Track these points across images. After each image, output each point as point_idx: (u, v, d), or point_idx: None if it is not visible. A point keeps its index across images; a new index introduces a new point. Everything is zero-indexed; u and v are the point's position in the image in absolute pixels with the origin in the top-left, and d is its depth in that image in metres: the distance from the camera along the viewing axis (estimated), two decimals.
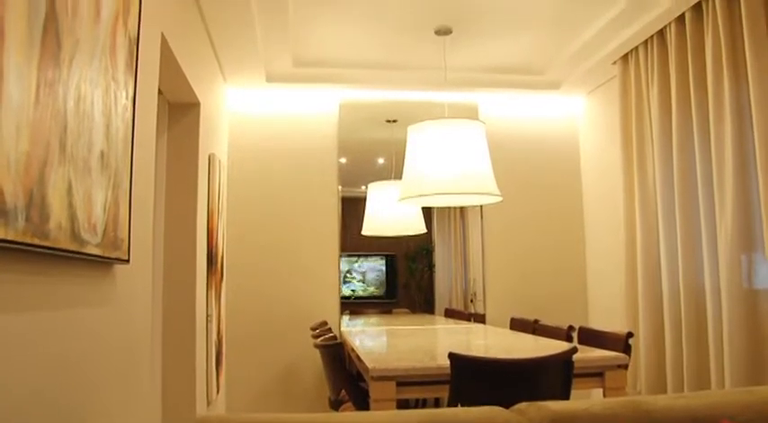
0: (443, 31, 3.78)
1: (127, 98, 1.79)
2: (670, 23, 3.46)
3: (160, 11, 2.33)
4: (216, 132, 3.92)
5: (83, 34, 1.42)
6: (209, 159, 3.58)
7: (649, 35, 3.65)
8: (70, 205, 1.34)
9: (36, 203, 1.17)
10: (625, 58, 3.97)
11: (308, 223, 4.61)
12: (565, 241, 4.83)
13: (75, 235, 1.37)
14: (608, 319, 4.41)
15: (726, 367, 2.96)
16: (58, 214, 1.27)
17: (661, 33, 3.59)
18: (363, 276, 5.21)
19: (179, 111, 3.24)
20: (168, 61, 2.62)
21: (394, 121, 4.88)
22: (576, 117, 4.97)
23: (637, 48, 3.83)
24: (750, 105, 2.89)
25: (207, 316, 3.45)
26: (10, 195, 1.06)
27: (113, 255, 1.65)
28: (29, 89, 1.14)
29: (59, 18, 1.28)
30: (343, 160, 4.73)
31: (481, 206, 4.71)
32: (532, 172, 4.88)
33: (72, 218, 1.35)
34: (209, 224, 3.56)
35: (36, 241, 1.17)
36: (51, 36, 1.25)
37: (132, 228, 1.86)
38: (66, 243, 1.32)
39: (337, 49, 4.09)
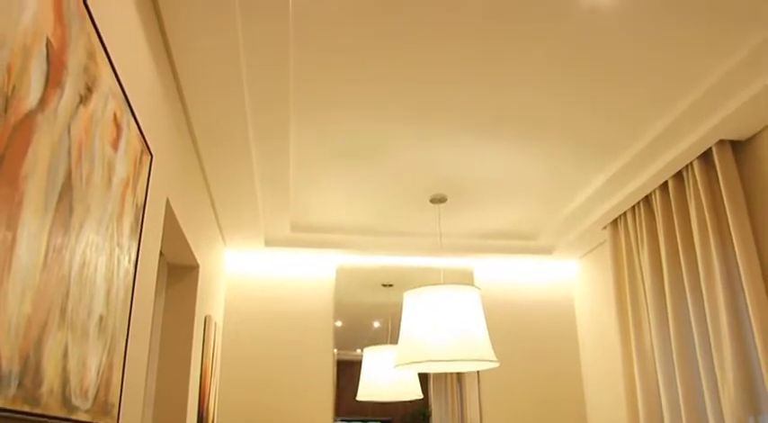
0: (438, 200, 3.92)
1: (129, 262, 1.83)
2: (655, 191, 3.61)
3: (167, 177, 2.44)
4: (213, 294, 3.94)
5: (94, 202, 1.48)
6: (205, 321, 3.56)
7: (636, 201, 3.79)
8: (64, 369, 1.33)
9: (31, 368, 1.16)
10: (614, 223, 4.09)
11: (302, 386, 4.49)
12: (564, 403, 4.68)
13: (65, 400, 1.34)
14: None
15: None
16: (51, 379, 1.26)
17: (647, 200, 3.73)
18: None
19: (178, 273, 3.28)
20: (171, 225, 2.70)
21: (390, 285, 4.91)
22: (569, 280, 5.03)
23: (625, 213, 3.96)
24: (739, 268, 2.95)
25: None
26: (6, 360, 1.05)
27: (102, 421, 1.61)
28: (38, 254, 1.17)
29: (74, 186, 1.34)
30: (338, 323, 4.71)
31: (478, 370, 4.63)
32: (529, 335, 4.84)
33: (64, 383, 1.33)
34: (202, 385, 3.47)
35: (26, 408, 1.14)
36: (65, 204, 1.30)
37: (123, 391, 1.83)
38: (56, 409, 1.29)
39: (335, 216, 4.22)
